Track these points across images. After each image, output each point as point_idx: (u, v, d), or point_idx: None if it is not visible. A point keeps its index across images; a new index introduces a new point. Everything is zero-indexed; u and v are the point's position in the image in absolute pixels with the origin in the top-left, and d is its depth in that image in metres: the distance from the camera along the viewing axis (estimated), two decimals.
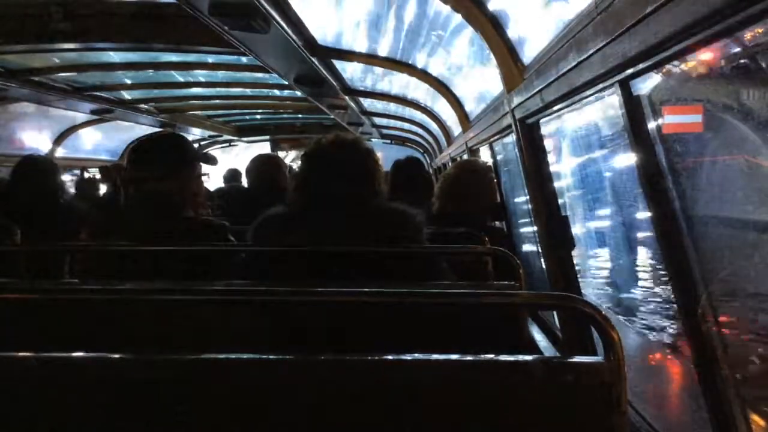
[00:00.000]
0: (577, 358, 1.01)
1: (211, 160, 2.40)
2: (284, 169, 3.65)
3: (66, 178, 6.73)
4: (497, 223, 3.55)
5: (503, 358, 0.97)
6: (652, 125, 1.42)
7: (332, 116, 5.98)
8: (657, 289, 3.24)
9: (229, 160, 8.65)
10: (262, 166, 3.65)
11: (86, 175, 6.02)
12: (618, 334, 0.93)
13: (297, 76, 3.86)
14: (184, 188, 2.02)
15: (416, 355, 0.96)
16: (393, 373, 0.96)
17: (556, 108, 1.95)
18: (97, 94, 5.05)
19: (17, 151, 5.29)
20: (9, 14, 2.96)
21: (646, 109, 1.40)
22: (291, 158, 9.56)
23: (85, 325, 1.31)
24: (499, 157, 3.80)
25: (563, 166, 3.49)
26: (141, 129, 6.64)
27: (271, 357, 0.97)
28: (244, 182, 4.48)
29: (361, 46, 3.57)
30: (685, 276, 1.35)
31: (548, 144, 2.45)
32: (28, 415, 0.96)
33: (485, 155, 4.12)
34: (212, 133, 8.44)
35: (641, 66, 1.23)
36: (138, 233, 1.86)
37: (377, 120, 7.06)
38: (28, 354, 0.98)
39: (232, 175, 6.46)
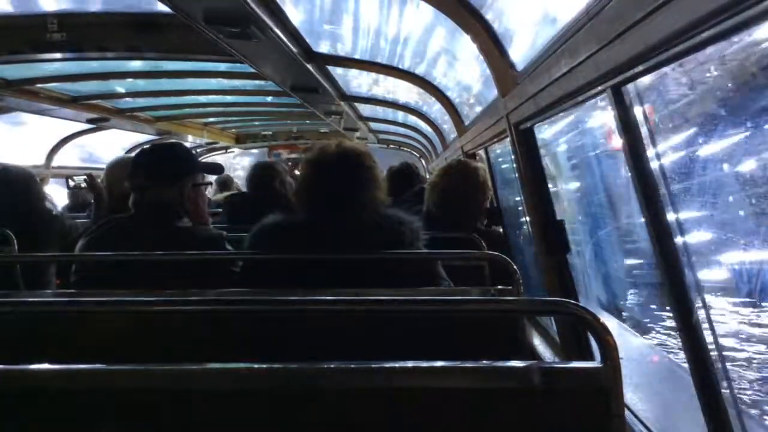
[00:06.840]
0: (574, 363, 1.02)
1: (217, 169, 2.36)
2: (284, 177, 3.60)
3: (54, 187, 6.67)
4: (494, 226, 3.52)
5: (500, 363, 0.97)
6: None
7: (329, 122, 5.99)
8: None
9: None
10: (260, 174, 3.63)
11: (71, 183, 5.98)
12: (614, 339, 0.94)
13: (293, 83, 3.87)
14: (183, 197, 2.02)
15: (412, 362, 0.96)
16: (389, 379, 0.96)
17: (550, 113, 1.96)
18: (93, 103, 5.05)
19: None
20: (4, 25, 2.96)
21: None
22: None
23: (77, 335, 1.32)
24: (494, 161, 3.81)
25: None
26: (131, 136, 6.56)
27: (273, 365, 0.97)
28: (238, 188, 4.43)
29: (356, 53, 3.58)
30: (678, 277, 1.35)
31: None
32: (20, 426, 0.96)
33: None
34: (209, 141, 8.46)
35: (633, 71, 1.24)
36: (135, 243, 1.86)
37: (373, 125, 7.08)
38: (21, 366, 0.98)
39: (224, 183, 6.42)
